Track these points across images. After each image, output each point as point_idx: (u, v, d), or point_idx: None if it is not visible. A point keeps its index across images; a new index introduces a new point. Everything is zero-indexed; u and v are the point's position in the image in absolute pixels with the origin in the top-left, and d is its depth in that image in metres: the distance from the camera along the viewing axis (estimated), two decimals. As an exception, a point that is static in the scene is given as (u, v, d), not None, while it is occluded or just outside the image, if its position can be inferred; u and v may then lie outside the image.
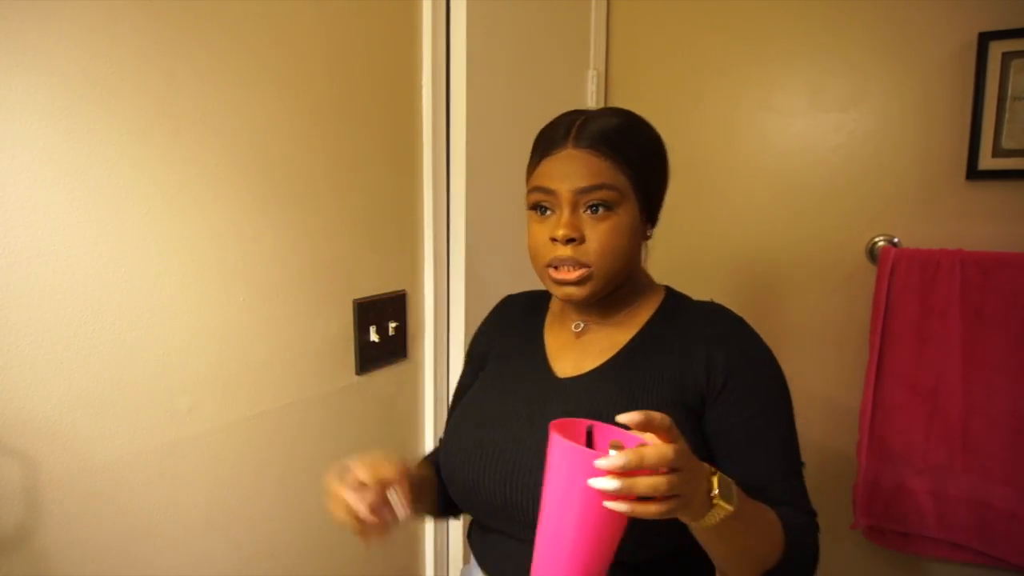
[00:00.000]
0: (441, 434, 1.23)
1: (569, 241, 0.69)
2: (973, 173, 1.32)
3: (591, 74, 1.60)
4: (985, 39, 1.28)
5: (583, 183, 0.69)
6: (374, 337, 1.09)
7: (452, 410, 0.88)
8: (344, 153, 1.02)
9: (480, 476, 0.72)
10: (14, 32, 0.63)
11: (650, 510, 0.50)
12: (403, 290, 1.16)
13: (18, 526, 0.67)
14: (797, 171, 1.50)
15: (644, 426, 0.51)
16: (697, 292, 0.80)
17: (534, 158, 0.75)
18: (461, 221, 1.18)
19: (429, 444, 1.23)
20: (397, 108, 1.11)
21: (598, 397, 0.72)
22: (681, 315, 0.77)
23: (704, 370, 0.71)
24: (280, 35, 0.90)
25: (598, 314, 0.78)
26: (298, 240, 0.96)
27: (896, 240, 1.40)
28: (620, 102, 1.68)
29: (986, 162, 1.31)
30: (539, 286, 0.78)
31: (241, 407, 0.90)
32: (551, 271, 0.72)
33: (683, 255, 1.59)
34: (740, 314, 0.75)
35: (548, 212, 0.72)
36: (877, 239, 1.41)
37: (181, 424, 0.82)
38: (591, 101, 1.60)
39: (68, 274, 0.70)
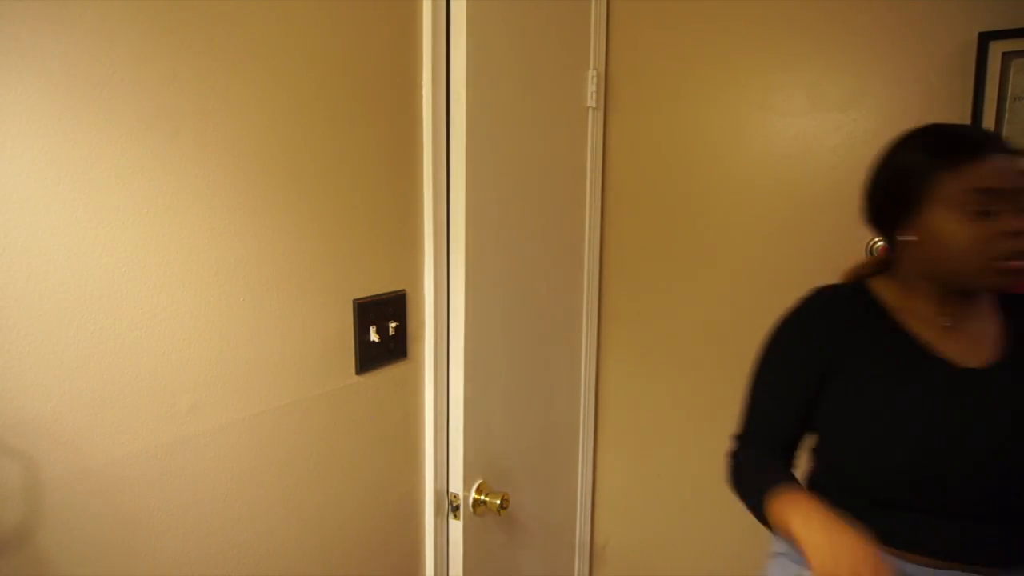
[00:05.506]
0: (439, 435, 1.23)
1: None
2: (973, 173, 1.32)
3: (591, 74, 1.60)
4: (985, 39, 1.28)
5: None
6: (374, 337, 1.09)
7: (837, 413, 0.91)
8: (344, 153, 1.02)
9: (957, 467, 0.80)
10: (13, 33, 0.63)
11: None
12: (403, 290, 1.16)
13: (18, 526, 0.67)
14: (797, 171, 1.50)
15: None
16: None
17: (958, 162, 0.81)
18: (461, 221, 1.18)
19: (429, 444, 1.23)
20: (397, 108, 1.11)
21: None
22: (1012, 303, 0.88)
23: None
24: (280, 35, 0.90)
25: (963, 305, 0.86)
26: (298, 240, 0.96)
27: (896, 240, 1.40)
28: (620, 102, 1.68)
29: (986, 162, 1.30)
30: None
31: (241, 407, 0.90)
32: (1005, 264, 0.79)
33: (683, 255, 1.60)
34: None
35: (991, 213, 0.79)
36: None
37: (181, 424, 0.82)
38: (591, 101, 1.60)
39: (68, 274, 0.70)
